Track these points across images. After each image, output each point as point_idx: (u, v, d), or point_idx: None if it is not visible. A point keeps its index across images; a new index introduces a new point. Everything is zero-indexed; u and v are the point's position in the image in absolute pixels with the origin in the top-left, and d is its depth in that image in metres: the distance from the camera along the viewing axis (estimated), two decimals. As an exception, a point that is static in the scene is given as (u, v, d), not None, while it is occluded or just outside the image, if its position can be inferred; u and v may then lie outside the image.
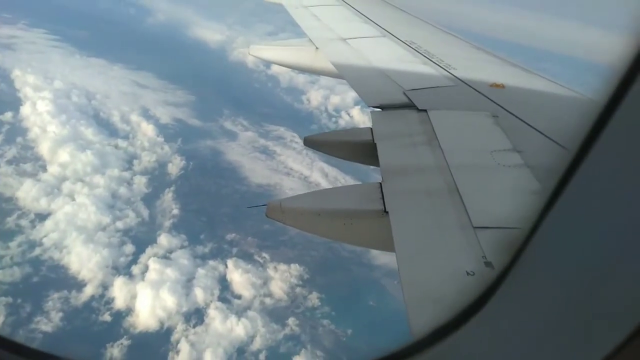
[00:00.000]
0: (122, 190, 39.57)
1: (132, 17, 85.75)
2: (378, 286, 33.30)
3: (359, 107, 56.38)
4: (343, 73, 6.70)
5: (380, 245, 3.60)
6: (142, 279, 31.85)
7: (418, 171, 4.02)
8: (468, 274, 2.67)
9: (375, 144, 4.56)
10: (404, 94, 5.61)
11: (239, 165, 46.40)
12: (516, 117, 4.82)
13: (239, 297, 32.07)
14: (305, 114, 59.41)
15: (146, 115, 51.66)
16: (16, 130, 44.28)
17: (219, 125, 53.09)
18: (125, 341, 27.99)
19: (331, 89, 59.93)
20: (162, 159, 44.70)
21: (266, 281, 33.39)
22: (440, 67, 6.50)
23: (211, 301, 31.21)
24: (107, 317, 29.28)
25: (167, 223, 37.38)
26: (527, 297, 1.35)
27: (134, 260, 33.44)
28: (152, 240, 35.24)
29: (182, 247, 34.99)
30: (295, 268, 34.31)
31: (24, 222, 34.64)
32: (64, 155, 41.45)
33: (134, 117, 50.54)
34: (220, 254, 34.82)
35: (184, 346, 28.22)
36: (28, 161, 40.88)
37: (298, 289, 33.21)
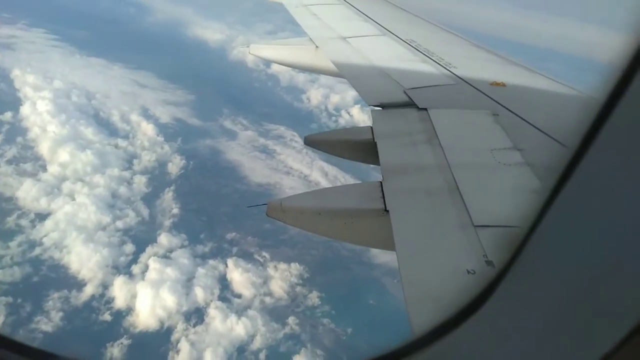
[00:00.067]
0: (122, 190, 39.59)
1: (132, 17, 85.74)
2: (378, 285, 33.32)
3: (359, 105, 56.44)
4: (343, 72, 6.69)
5: (380, 244, 3.60)
6: (142, 278, 31.87)
7: (418, 170, 4.01)
8: (469, 272, 2.66)
9: (376, 142, 4.55)
10: (404, 92, 5.61)
11: (238, 165, 46.42)
12: (517, 115, 4.81)
13: (239, 296, 32.09)
14: (305, 113, 59.44)
15: (146, 114, 51.67)
16: (16, 130, 44.28)
17: (218, 125, 53.11)
18: (125, 341, 28.01)
19: (331, 88, 59.95)
20: (162, 159, 44.73)
21: (266, 280, 33.41)
22: (441, 65, 6.50)
23: (211, 300, 31.23)
24: (107, 317, 29.30)
25: (167, 222, 37.40)
26: (527, 295, 1.35)
27: (134, 260, 33.47)
28: (152, 240, 35.26)
29: (182, 246, 35.01)
30: (295, 267, 34.34)
31: (24, 222, 34.65)
32: (64, 155, 41.46)
33: (134, 117, 50.56)
34: (220, 253, 34.84)
35: (184, 345, 28.23)
36: (28, 161, 40.90)
37: (298, 288, 33.24)
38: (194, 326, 29.55)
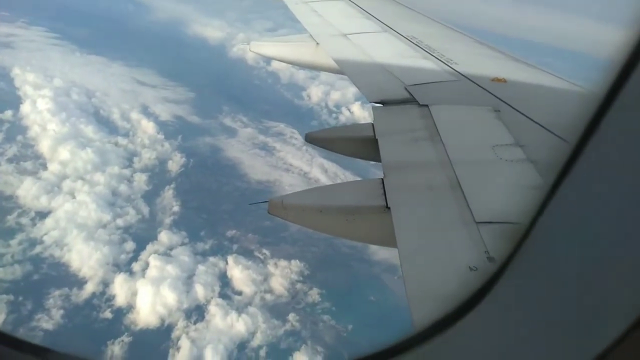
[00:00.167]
0: (123, 188, 39.63)
1: (132, 14, 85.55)
2: (378, 282, 33.36)
3: (360, 102, 56.38)
4: (344, 69, 6.67)
5: (382, 241, 3.60)
6: (143, 276, 31.93)
7: (420, 167, 4.01)
8: (471, 269, 2.66)
9: (377, 139, 4.54)
10: (405, 89, 5.60)
11: (238, 162, 46.43)
12: (518, 111, 4.80)
13: (239, 293, 32.14)
14: (305, 110, 59.39)
15: (146, 112, 51.67)
16: (16, 129, 44.31)
17: (218, 122, 53.11)
18: (126, 338, 28.06)
19: (331, 85, 59.87)
20: (162, 156, 44.75)
21: (266, 277, 33.46)
22: (442, 62, 6.48)
23: (212, 298, 31.29)
24: (108, 315, 29.36)
25: (168, 220, 37.44)
26: (525, 291, 1.35)
27: (135, 258, 33.53)
28: (153, 238, 35.31)
29: (182, 244, 35.05)
30: (296, 264, 34.37)
31: (24, 220, 34.70)
32: (64, 153, 41.50)
33: (134, 115, 50.55)
34: (220, 251, 34.88)
35: (184, 343, 28.29)
36: (28, 159, 40.92)
37: (298, 285, 33.30)
38: (195, 323, 29.61)
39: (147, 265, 32.79)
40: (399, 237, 3.04)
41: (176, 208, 38.63)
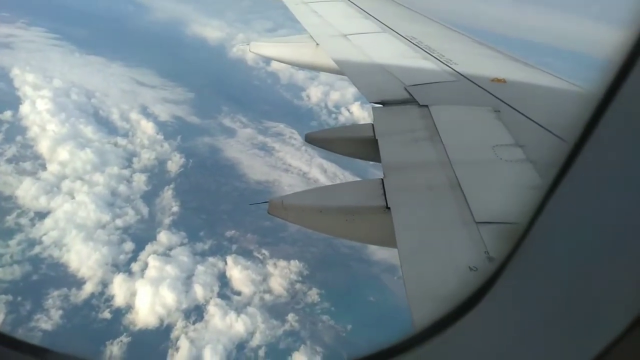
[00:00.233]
0: (122, 188, 39.61)
1: (131, 15, 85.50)
2: (377, 282, 33.37)
3: (359, 103, 56.38)
4: (344, 69, 6.68)
5: (382, 241, 3.60)
6: (142, 276, 31.92)
7: (420, 167, 4.01)
8: (470, 269, 2.66)
9: (377, 140, 4.55)
10: (405, 89, 5.60)
11: (238, 162, 46.43)
12: (518, 111, 4.80)
13: (238, 293, 32.13)
14: (305, 111, 59.38)
15: (145, 112, 51.64)
16: (15, 129, 44.30)
17: (218, 122, 53.10)
18: (125, 338, 28.05)
19: (331, 85, 59.86)
20: (162, 157, 44.74)
21: (266, 277, 33.45)
22: (441, 62, 6.48)
23: (211, 298, 31.28)
24: (106, 315, 29.35)
25: (167, 220, 37.42)
26: (524, 291, 1.35)
27: (134, 258, 33.52)
28: (152, 238, 35.30)
29: (181, 244, 35.04)
30: (295, 264, 34.37)
31: (23, 221, 34.68)
32: (63, 154, 41.49)
33: (133, 115, 50.53)
34: (219, 251, 34.87)
35: (183, 343, 28.28)
36: (27, 160, 40.90)
37: (298, 285, 33.28)
38: (194, 323, 29.60)
39: (146, 265, 32.78)
40: (399, 238, 3.04)
41: (175, 208, 38.63)
